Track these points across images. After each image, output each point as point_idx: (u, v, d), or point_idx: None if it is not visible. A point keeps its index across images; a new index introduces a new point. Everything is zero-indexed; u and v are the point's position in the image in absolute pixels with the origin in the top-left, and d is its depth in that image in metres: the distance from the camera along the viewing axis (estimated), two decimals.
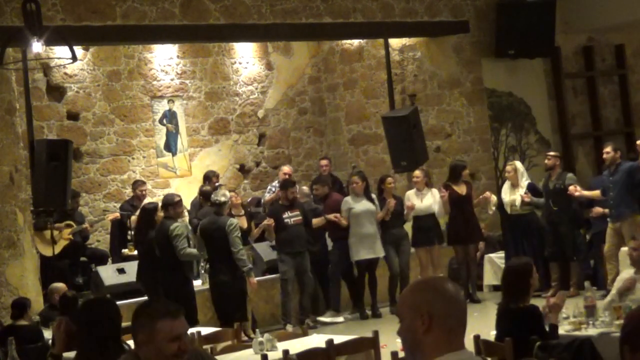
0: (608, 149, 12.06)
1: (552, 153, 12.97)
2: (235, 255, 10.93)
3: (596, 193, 12.15)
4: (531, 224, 12.61)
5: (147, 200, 13.44)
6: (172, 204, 11.00)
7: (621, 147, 14.96)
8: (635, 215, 11.77)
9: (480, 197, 12.99)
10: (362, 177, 12.81)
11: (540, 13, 14.74)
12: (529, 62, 15.30)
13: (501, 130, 15.23)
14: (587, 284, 7.73)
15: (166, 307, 3.90)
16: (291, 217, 12.06)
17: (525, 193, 12.43)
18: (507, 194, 12.66)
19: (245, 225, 11.77)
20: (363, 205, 12.52)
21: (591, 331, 6.99)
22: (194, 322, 9.92)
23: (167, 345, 3.80)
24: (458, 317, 2.88)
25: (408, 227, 13.02)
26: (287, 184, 12.51)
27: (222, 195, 11.29)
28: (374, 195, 12.82)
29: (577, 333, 6.95)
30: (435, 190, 12.96)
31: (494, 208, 12.84)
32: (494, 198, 12.73)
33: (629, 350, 2.91)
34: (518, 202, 12.49)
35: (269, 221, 11.89)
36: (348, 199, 12.68)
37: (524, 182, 12.62)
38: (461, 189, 12.93)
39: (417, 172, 13.00)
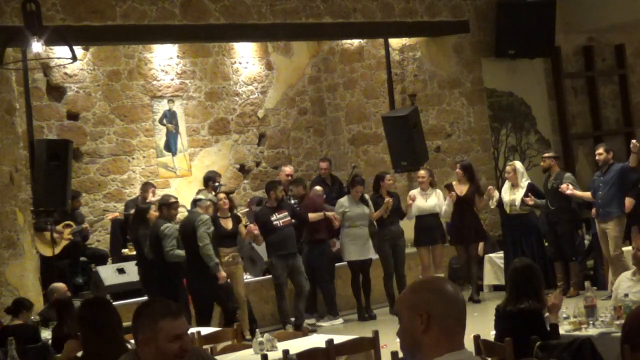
0: (600, 150, 12.10)
1: (547, 154, 12.94)
2: (200, 250, 10.85)
3: (587, 194, 12.16)
4: (529, 223, 12.60)
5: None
6: (166, 204, 11.06)
7: (621, 147, 15.02)
8: (622, 217, 11.78)
9: (485, 196, 12.94)
10: (363, 184, 12.85)
11: (540, 13, 14.73)
12: (529, 62, 15.30)
13: (501, 130, 15.23)
14: (587, 283, 7.72)
15: (167, 306, 3.89)
16: (280, 219, 11.93)
17: (528, 196, 12.41)
18: (506, 194, 12.66)
19: (230, 226, 11.58)
20: (358, 208, 12.50)
21: (591, 331, 6.99)
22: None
23: (168, 345, 3.79)
24: (457, 317, 2.87)
25: (409, 226, 13.01)
26: (273, 185, 12.42)
27: (201, 193, 11.36)
28: (367, 196, 12.78)
29: (577, 333, 6.95)
30: (439, 191, 12.96)
31: (495, 203, 12.83)
32: (496, 193, 12.74)
33: (629, 350, 2.92)
34: (518, 202, 12.48)
35: (252, 227, 11.65)
36: (343, 201, 12.60)
37: (524, 182, 12.62)
38: (461, 189, 12.93)
39: (423, 172, 13.01)
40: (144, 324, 3.83)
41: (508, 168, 12.89)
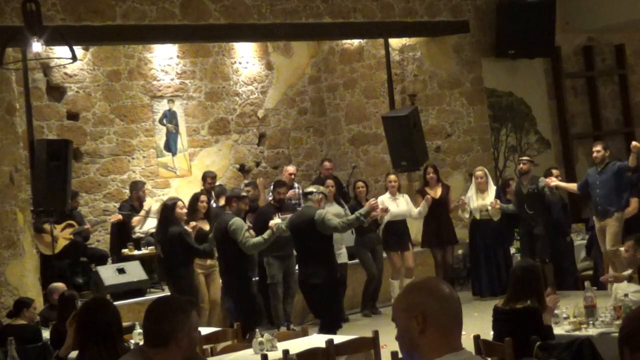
0: (598, 147, 12.12)
1: (526, 158, 12.93)
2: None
3: (572, 186, 12.20)
4: (498, 228, 12.58)
5: (148, 200, 13.44)
6: (238, 197, 10.89)
7: (621, 147, 15.03)
8: (620, 213, 11.79)
9: (457, 202, 12.86)
10: (337, 185, 12.75)
11: (540, 13, 14.74)
12: (529, 62, 15.30)
13: (501, 130, 15.24)
14: (587, 283, 7.72)
15: (187, 299, 3.97)
16: (282, 219, 11.86)
17: (495, 199, 12.43)
18: (474, 200, 12.62)
19: (207, 228, 11.27)
20: (333, 209, 12.24)
21: (591, 331, 6.99)
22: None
23: (195, 334, 3.83)
24: (452, 316, 2.85)
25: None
26: (277, 184, 12.34)
27: (312, 187, 10.93)
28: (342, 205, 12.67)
29: (577, 333, 6.95)
30: (406, 195, 12.88)
31: (467, 215, 12.76)
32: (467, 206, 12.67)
33: (629, 351, 2.91)
34: (490, 207, 12.49)
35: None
36: None
37: (492, 187, 12.66)
38: (435, 192, 12.88)
39: (394, 177, 12.82)
40: (181, 321, 3.76)
41: (480, 173, 12.78)
